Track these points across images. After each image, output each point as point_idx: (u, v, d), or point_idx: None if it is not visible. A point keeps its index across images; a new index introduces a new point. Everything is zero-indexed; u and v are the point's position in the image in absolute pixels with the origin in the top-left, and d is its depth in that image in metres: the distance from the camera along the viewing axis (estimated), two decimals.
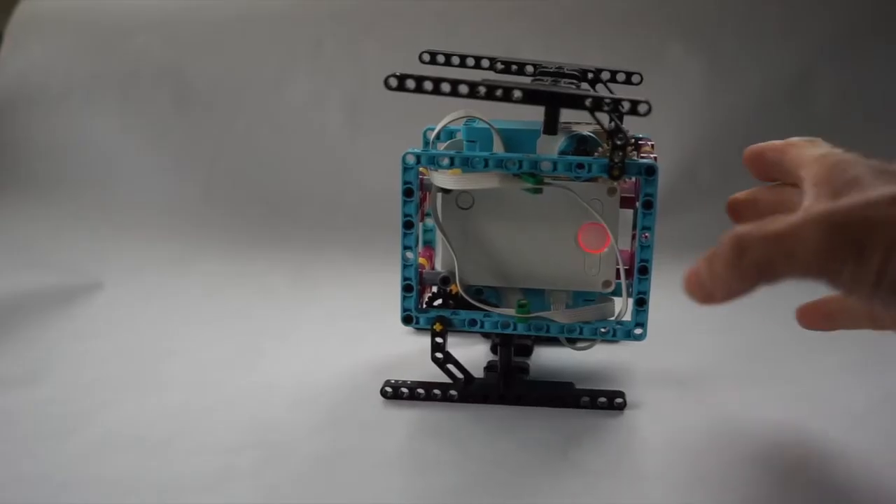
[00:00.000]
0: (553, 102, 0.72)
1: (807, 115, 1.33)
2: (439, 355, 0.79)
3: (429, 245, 0.91)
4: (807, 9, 1.36)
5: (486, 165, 0.74)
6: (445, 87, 0.71)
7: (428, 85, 0.71)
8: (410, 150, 0.75)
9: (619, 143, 0.72)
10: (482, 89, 0.70)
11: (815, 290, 1.06)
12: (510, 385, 0.79)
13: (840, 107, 1.33)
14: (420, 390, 0.80)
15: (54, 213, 1.38)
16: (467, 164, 0.74)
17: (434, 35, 1.43)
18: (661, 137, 1.35)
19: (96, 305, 1.04)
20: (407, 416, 0.77)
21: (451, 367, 0.80)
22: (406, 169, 0.75)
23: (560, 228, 0.78)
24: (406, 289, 0.78)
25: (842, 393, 0.80)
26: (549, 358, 0.88)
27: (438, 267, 0.87)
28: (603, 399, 0.78)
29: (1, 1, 1.66)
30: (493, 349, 0.88)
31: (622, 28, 1.39)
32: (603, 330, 0.78)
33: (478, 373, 0.82)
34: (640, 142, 0.83)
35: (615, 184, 0.76)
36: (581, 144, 0.76)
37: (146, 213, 1.36)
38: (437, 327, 0.78)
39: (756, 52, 1.36)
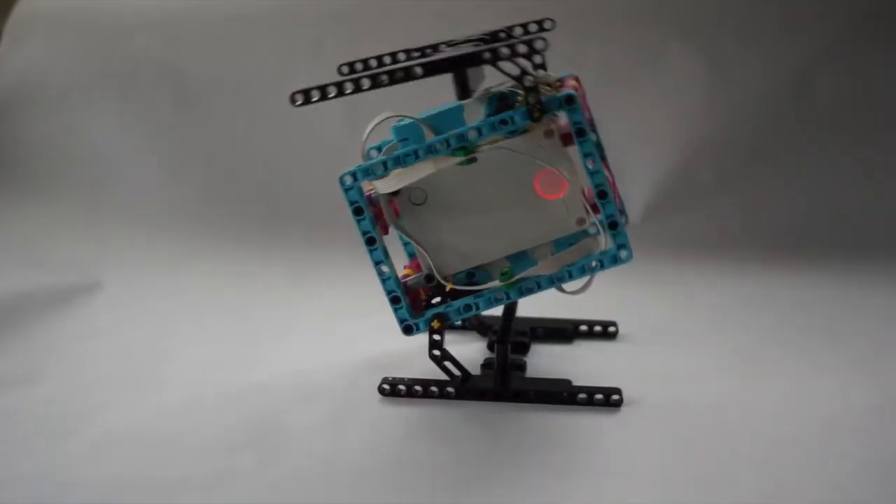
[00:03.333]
0: (454, 67, 0.72)
1: (807, 116, 1.33)
2: (437, 352, 0.79)
3: (414, 256, 0.91)
4: (807, 9, 1.36)
5: (418, 156, 0.75)
6: (348, 86, 0.72)
7: (331, 90, 0.73)
8: (346, 172, 0.76)
9: (528, 85, 0.72)
10: (384, 77, 0.71)
11: (813, 294, 1.06)
12: (507, 382, 0.79)
13: (840, 107, 1.33)
14: (417, 388, 0.80)
15: (54, 212, 1.38)
16: (400, 162, 0.75)
17: (434, 35, 1.43)
18: (661, 137, 1.36)
19: (96, 305, 1.04)
20: (405, 413, 0.77)
21: (448, 364, 0.80)
22: (347, 190, 0.76)
23: (516, 187, 0.77)
24: (394, 301, 0.79)
25: (842, 393, 0.80)
26: (546, 355, 0.88)
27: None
28: (599, 396, 0.78)
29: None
30: (490, 347, 0.88)
31: (622, 28, 1.39)
32: (592, 265, 0.77)
33: (475, 370, 0.82)
34: (561, 81, 0.82)
35: (551, 126, 0.75)
36: (502, 101, 0.76)
37: (146, 212, 1.36)
38: (436, 325, 0.78)
39: (756, 52, 1.36)
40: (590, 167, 0.75)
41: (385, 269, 0.78)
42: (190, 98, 1.46)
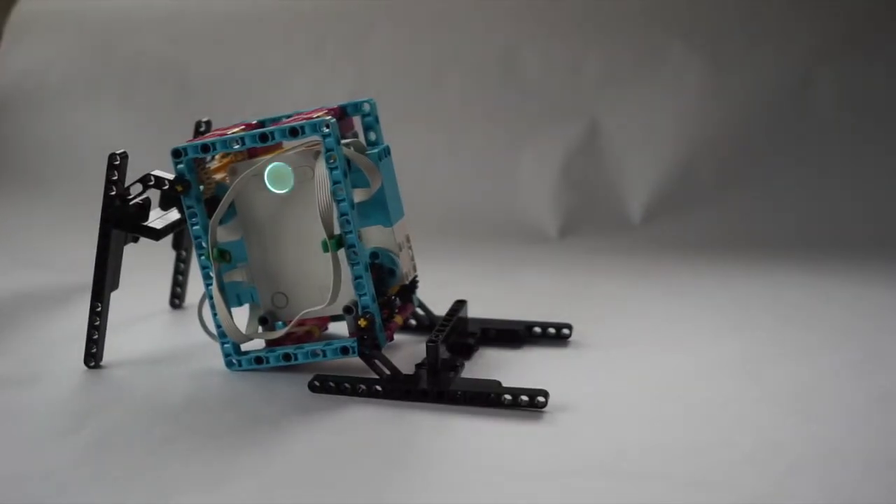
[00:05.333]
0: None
1: (807, 116, 1.33)
2: (367, 351, 0.80)
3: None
4: (807, 9, 1.36)
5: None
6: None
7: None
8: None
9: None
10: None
11: (813, 294, 1.06)
12: (436, 383, 0.79)
13: (841, 107, 1.33)
14: (346, 385, 0.80)
15: (54, 212, 1.38)
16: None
17: (434, 35, 1.43)
18: (661, 138, 1.36)
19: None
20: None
21: (378, 363, 0.80)
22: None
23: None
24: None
25: (842, 393, 0.80)
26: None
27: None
28: (525, 398, 0.77)
29: None
30: (450, 347, 0.89)
31: (623, 27, 1.39)
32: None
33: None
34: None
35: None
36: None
37: None
38: (363, 323, 0.80)
39: (757, 52, 1.36)
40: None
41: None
42: (191, 97, 1.46)
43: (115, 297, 0.89)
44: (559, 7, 1.42)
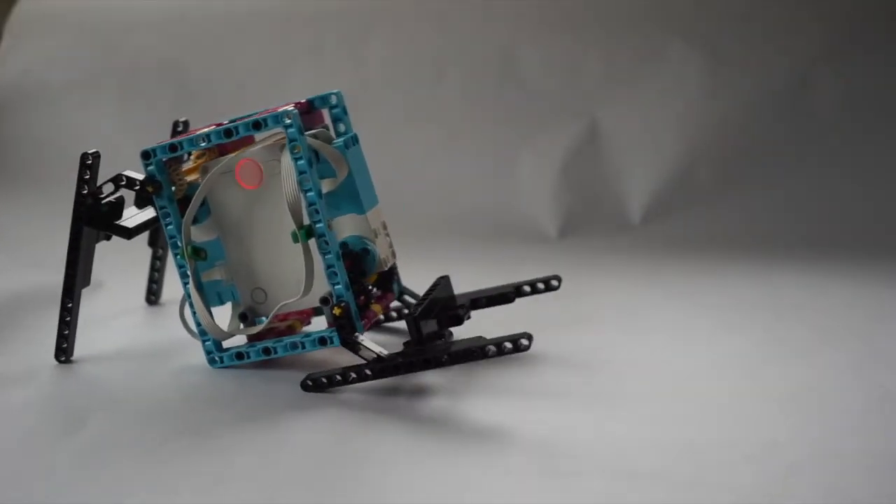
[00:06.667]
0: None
1: (806, 115, 1.33)
2: (349, 339, 0.80)
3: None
4: (807, 9, 1.36)
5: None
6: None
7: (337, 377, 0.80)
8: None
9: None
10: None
11: (812, 295, 1.06)
12: (421, 353, 0.79)
13: (840, 107, 1.33)
14: (337, 376, 0.81)
15: (54, 212, 1.38)
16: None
17: (434, 35, 1.43)
18: (661, 138, 1.36)
19: (96, 305, 1.04)
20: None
21: (362, 346, 0.81)
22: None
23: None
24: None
25: (842, 393, 0.80)
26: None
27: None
28: (508, 344, 0.76)
29: None
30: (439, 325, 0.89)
31: (622, 27, 1.39)
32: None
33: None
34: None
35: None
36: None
37: None
38: (337, 311, 0.80)
39: (757, 52, 1.36)
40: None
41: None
42: (190, 97, 1.47)
43: (93, 295, 0.88)
44: (559, 7, 1.42)
